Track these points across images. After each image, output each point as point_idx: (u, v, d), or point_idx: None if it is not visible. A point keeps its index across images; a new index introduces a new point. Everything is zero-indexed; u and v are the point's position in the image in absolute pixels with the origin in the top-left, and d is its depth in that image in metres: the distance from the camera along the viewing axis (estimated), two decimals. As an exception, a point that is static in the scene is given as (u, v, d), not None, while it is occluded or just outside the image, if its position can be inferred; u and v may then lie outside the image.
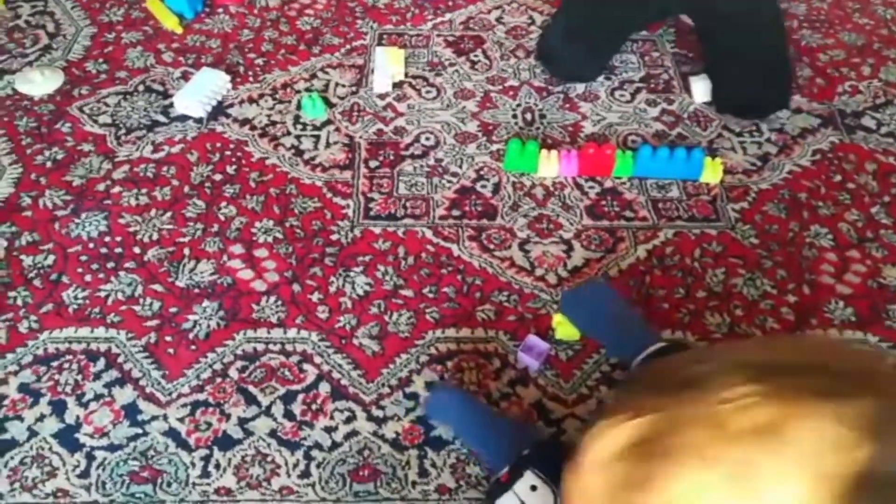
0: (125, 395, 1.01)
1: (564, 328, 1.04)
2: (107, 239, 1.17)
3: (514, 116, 1.38)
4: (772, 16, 1.38)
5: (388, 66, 1.42)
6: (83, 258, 1.15)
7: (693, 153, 1.23)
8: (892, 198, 1.24)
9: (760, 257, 1.15)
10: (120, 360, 1.04)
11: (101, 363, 1.03)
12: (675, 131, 1.35)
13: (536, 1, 1.62)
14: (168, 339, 1.06)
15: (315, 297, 1.11)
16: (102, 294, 1.10)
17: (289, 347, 1.06)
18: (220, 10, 1.58)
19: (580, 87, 1.43)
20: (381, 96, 1.41)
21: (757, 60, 1.33)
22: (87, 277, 1.12)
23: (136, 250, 1.16)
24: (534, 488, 0.81)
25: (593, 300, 1.05)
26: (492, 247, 1.17)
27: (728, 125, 1.36)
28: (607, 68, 1.45)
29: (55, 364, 1.03)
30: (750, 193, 1.24)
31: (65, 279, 1.12)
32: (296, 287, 1.12)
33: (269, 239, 1.18)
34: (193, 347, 1.05)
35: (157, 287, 1.12)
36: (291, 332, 1.07)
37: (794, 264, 1.14)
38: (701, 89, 1.38)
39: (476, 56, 1.50)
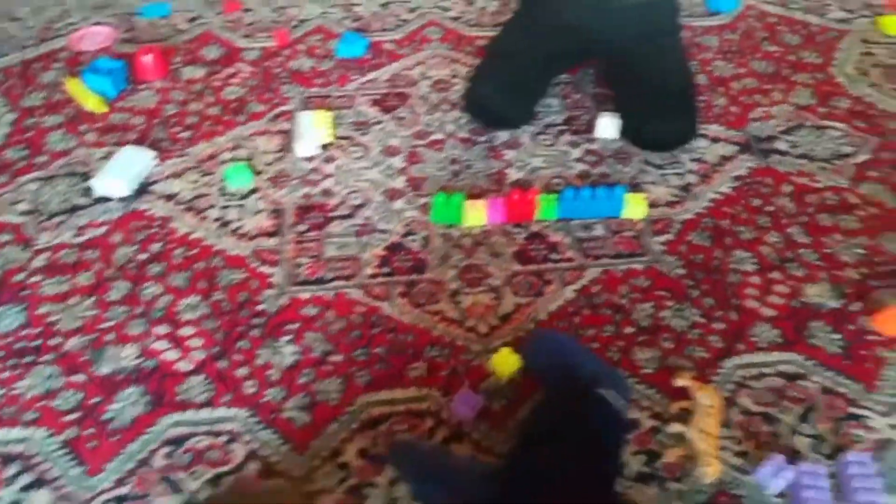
0: (42, 498, 0.96)
1: (503, 366, 1.03)
2: (24, 332, 1.14)
3: (441, 169, 1.39)
4: (676, 54, 1.45)
5: (314, 129, 1.43)
6: None
7: (614, 191, 1.25)
8: (809, 217, 1.27)
9: (687, 287, 1.16)
10: (36, 460, 0.99)
11: (16, 466, 0.99)
12: (598, 170, 1.37)
13: (458, 53, 1.66)
14: (89, 431, 1.02)
15: (242, 372, 1.09)
16: (17, 391, 1.07)
17: (216, 428, 1.03)
18: (144, 86, 1.59)
19: (504, 135, 1.44)
20: (308, 159, 1.41)
21: (662, 96, 1.37)
22: (3, 375, 1.09)
23: (56, 341, 1.13)
24: None
25: (551, 347, 1.04)
26: (422, 301, 1.16)
27: (649, 160, 1.38)
28: (533, 115, 1.48)
29: (-32, 470, 0.99)
30: (674, 225, 1.26)
31: (-21, 378, 1.08)
32: (222, 363, 1.10)
33: (195, 316, 1.16)
34: (117, 437, 1.02)
35: (78, 377, 1.08)
36: (219, 412, 1.04)
37: (720, 291, 1.15)
38: (604, 126, 1.41)
39: (401, 113, 1.51)
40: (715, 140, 1.42)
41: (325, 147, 1.43)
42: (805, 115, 1.47)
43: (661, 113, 1.36)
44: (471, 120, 1.47)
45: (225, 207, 1.33)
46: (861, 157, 1.38)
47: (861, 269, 1.18)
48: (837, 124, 1.45)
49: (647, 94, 1.37)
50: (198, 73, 1.62)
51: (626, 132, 1.41)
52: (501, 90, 1.41)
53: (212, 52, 1.68)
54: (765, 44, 1.67)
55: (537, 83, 1.48)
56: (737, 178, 1.34)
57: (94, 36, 1.71)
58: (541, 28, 1.45)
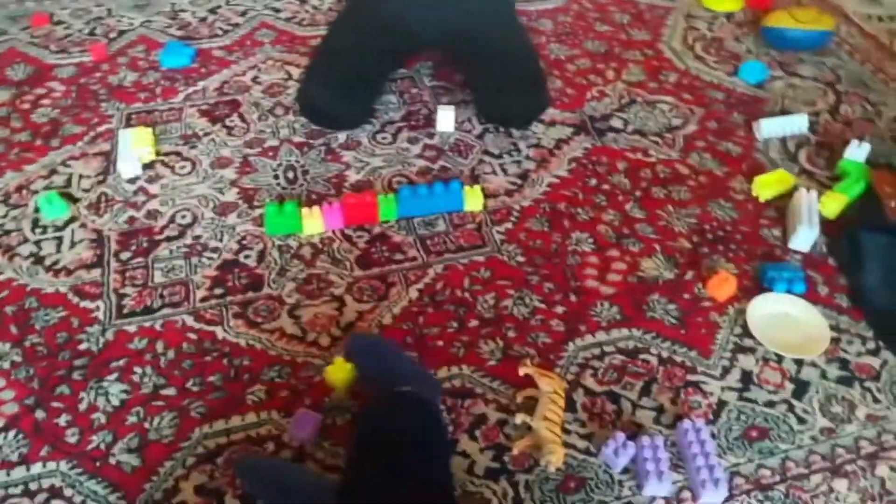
0: None
1: (337, 377, 1.00)
2: None
3: (276, 177, 1.32)
4: (517, 32, 1.47)
5: (134, 148, 1.33)
6: None
7: (451, 185, 1.23)
8: (643, 191, 1.30)
9: (527, 274, 1.16)
10: None
11: None
12: (439, 164, 1.34)
13: (292, 55, 1.59)
14: None
15: (63, 419, 0.99)
16: None
17: (33, 486, 0.93)
18: (-59, 116, 1.43)
19: (342, 136, 1.40)
20: (131, 181, 1.31)
21: (513, 72, 1.38)
22: None
23: None
24: None
25: (364, 352, 1.01)
26: (259, 320, 1.10)
27: (488, 149, 1.37)
28: (371, 113, 1.44)
29: None
30: (513, 213, 1.26)
31: None
32: (39, 414, 0.99)
33: (6, 365, 1.04)
34: (-84, 513, 0.90)
35: None
36: (36, 468, 0.94)
37: (559, 275, 1.16)
38: (443, 118, 1.39)
39: (232, 121, 1.43)
40: (551, 124, 1.43)
41: (148, 166, 1.33)
42: (637, 92, 1.51)
43: (518, 87, 1.37)
44: (306, 123, 1.42)
45: (39, 242, 1.21)
46: (689, 129, 1.43)
47: (693, 237, 1.22)
48: (667, 98, 1.50)
49: (500, 70, 1.37)
50: (2, 95, 1.47)
51: (482, 110, 1.41)
52: (334, 89, 1.36)
53: (18, 72, 1.53)
54: (597, 24, 1.70)
55: (372, 80, 1.44)
56: (573, 159, 1.36)
57: None
58: (369, 23, 1.42)
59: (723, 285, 1.11)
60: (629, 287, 1.14)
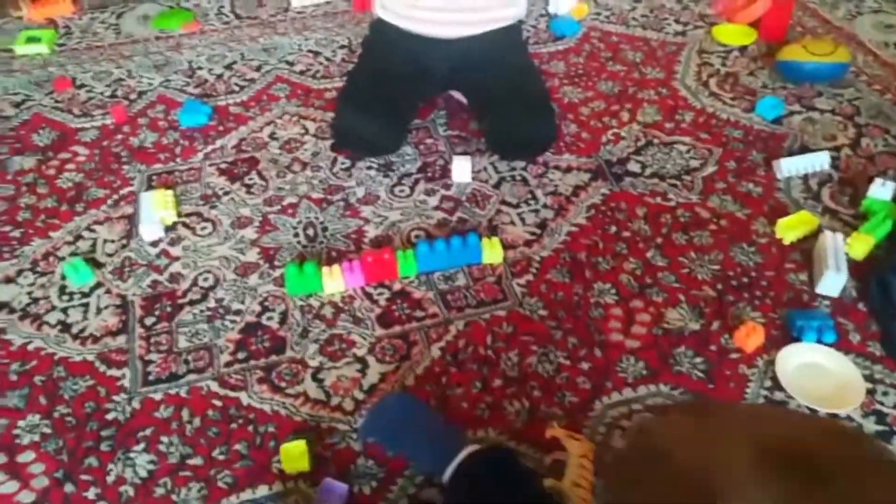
0: None
1: (292, 461, 0.99)
2: None
3: (296, 235, 1.33)
4: (529, 70, 1.52)
5: (155, 210, 1.35)
6: None
7: (468, 238, 1.23)
8: (664, 238, 1.28)
9: (550, 329, 1.15)
10: None
11: None
12: (456, 216, 1.35)
13: (307, 109, 1.61)
14: (-83, 592, 0.91)
15: (92, 493, 0.99)
16: None
17: (64, 563, 0.93)
18: (-32, 184, 1.46)
19: (360, 192, 1.40)
20: (153, 244, 1.33)
21: (526, 106, 1.41)
22: None
23: None
24: None
25: (394, 414, 1.00)
26: (283, 385, 1.10)
27: (505, 199, 1.37)
28: (406, 136, 1.48)
29: None
30: (532, 264, 1.25)
31: None
32: (69, 487, 1.00)
33: (36, 437, 1.06)
34: None
35: None
36: (66, 544, 0.95)
37: (583, 328, 1.15)
38: (459, 168, 1.40)
39: (251, 178, 1.45)
40: (568, 170, 1.43)
41: (170, 228, 1.35)
42: (653, 133, 1.51)
43: (526, 118, 1.40)
44: (343, 150, 1.47)
45: (66, 309, 1.23)
46: (708, 170, 1.42)
47: (717, 285, 1.20)
48: (684, 139, 1.49)
49: (509, 103, 1.40)
50: (28, 162, 1.51)
51: (492, 142, 1.44)
52: (368, 116, 1.41)
53: (43, 138, 1.57)
54: (609, 63, 1.71)
55: (403, 105, 1.47)
56: (592, 206, 1.35)
57: None
58: (388, 59, 1.48)
59: (750, 336, 1.09)
60: (655, 340, 1.12)
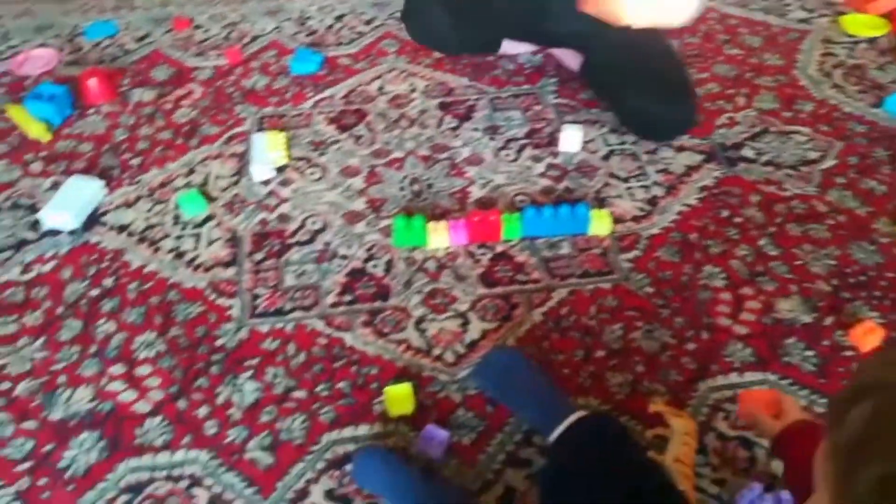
0: (-8, 556, 0.91)
1: (396, 404, 1.01)
2: (-31, 379, 1.08)
3: (402, 189, 1.35)
4: (661, 40, 1.42)
5: (268, 151, 1.38)
6: (-57, 404, 1.05)
7: (577, 208, 1.22)
8: (778, 227, 1.25)
9: (657, 307, 1.14)
10: (-16, 517, 0.94)
11: (-36, 523, 0.94)
12: (562, 185, 1.34)
13: (416, 66, 1.62)
14: (43, 481, 0.97)
15: (202, 411, 1.04)
16: (-35, 442, 1.01)
17: (176, 472, 0.98)
18: (91, 111, 1.53)
19: (465, 152, 1.41)
20: (264, 183, 1.36)
21: (659, 80, 1.35)
22: (-52, 425, 1.03)
23: (5, 386, 1.07)
24: None
25: (504, 368, 1.02)
26: (387, 331, 1.13)
27: (614, 172, 1.36)
28: (474, 51, 1.49)
29: None
30: (641, 241, 1.24)
31: (-79, 432, 1.02)
32: (181, 403, 1.05)
33: (152, 353, 1.11)
34: (71, 487, 0.97)
35: (29, 424, 1.03)
36: (179, 455, 1.00)
37: (690, 309, 1.13)
38: (567, 138, 1.38)
39: (359, 130, 1.47)
40: (680, 149, 1.40)
41: (280, 169, 1.38)
42: (770, 121, 1.46)
43: (666, 98, 1.34)
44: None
45: (179, 237, 1.28)
46: (827, 163, 1.37)
47: (832, 280, 1.17)
48: (802, 129, 1.44)
49: (648, 79, 1.34)
50: (147, 95, 1.56)
51: (624, 119, 1.40)
52: (439, 7, 1.40)
53: (161, 73, 1.62)
54: (726, 47, 1.66)
55: (484, 25, 1.45)
56: (703, 188, 1.32)
57: (37, 59, 1.64)
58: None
59: (868, 336, 1.05)
60: (764, 328, 1.10)
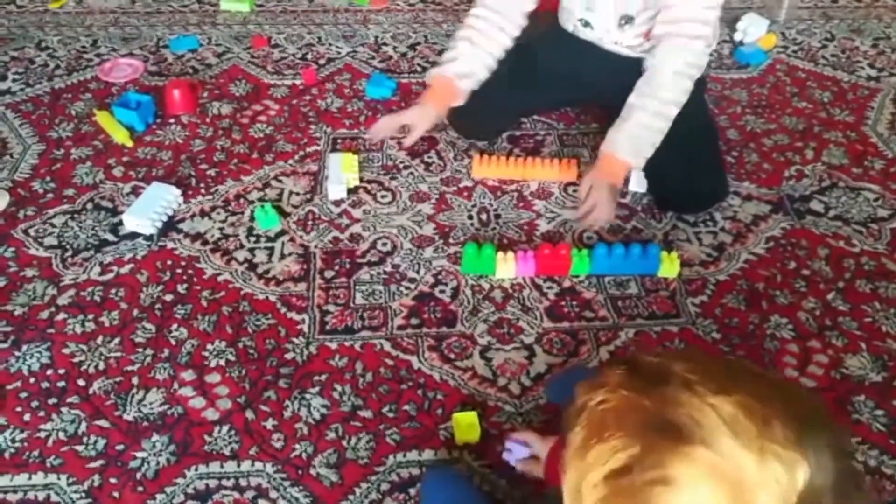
0: (64, 549, 0.93)
1: (463, 431, 1.02)
2: (49, 372, 1.12)
3: (470, 217, 1.37)
4: (701, 109, 1.39)
5: (342, 172, 1.42)
6: (23, 395, 1.09)
7: (649, 248, 1.23)
8: (847, 283, 1.25)
9: (723, 352, 1.14)
10: (59, 510, 0.97)
11: (39, 515, 0.96)
12: (630, 225, 1.35)
13: (487, 98, 1.65)
14: (113, 480, 1.00)
15: (269, 423, 1.06)
16: (42, 434, 1.04)
17: (243, 482, 1.00)
18: (172, 120, 1.58)
19: (533, 185, 1.43)
20: (336, 203, 1.40)
21: (688, 155, 1.29)
22: (27, 417, 1.06)
23: (81, 382, 1.11)
24: None
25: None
26: (452, 356, 1.14)
27: (682, 216, 1.37)
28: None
29: (-12, 519, 0.96)
30: (708, 286, 1.24)
31: (1, 420, 1.06)
32: (249, 414, 1.07)
33: (222, 362, 1.14)
34: (141, 489, 0.99)
35: (103, 422, 1.06)
36: (245, 465, 1.02)
37: (757, 358, 1.13)
38: (637, 178, 1.40)
39: (430, 157, 1.50)
40: (748, 198, 1.41)
41: (352, 191, 1.42)
42: (839, 175, 1.46)
43: (691, 175, 1.31)
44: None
45: (252, 249, 1.31)
46: (897, 222, 1.37)
47: (902, 340, 1.16)
48: (872, 186, 1.44)
49: (671, 153, 1.27)
50: (225, 108, 1.61)
51: (653, 194, 1.40)
52: (466, 118, 1.45)
53: (239, 88, 1.67)
54: (795, 99, 1.67)
55: (503, 116, 1.51)
56: (771, 238, 1.33)
57: (123, 68, 1.71)
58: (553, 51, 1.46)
59: (938, 398, 1.05)
60: (832, 382, 1.10)
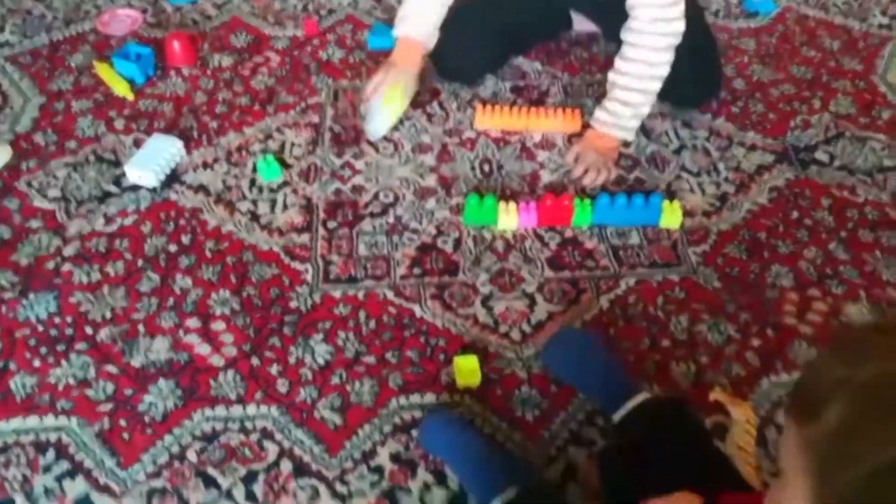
0: (77, 487, 0.96)
1: (464, 376, 1.04)
2: (56, 320, 1.13)
3: (473, 168, 1.37)
4: (695, 14, 1.37)
5: (384, 108, 1.37)
6: (32, 342, 1.11)
7: (651, 199, 1.23)
8: (849, 232, 1.25)
9: (724, 301, 1.15)
10: (71, 450, 0.99)
11: (51, 454, 0.99)
12: (633, 175, 1.35)
13: (490, 49, 1.63)
14: (122, 423, 1.02)
15: (274, 369, 1.08)
16: (52, 379, 1.06)
17: (248, 425, 1.02)
18: (173, 72, 1.57)
19: (537, 136, 1.42)
20: (338, 155, 1.39)
21: (687, 46, 1.27)
22: (36, 362, 1.08)
23: (89, 330, 1.12)
24: None
25: (574, 347, 1.04)
26: (454, 305, 1.15)
27: (685, 165, 1.36)
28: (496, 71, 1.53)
29: (1, 459, 0.99)
30: (710, 236, 1.24)
31: (12, 366, 1.08)
32: (254, 360, 1.09)
33: (227, 310, 1.15)
34: (149, 431, 1.02)
35: (111, 368, 1.08)
36: (251, 409, 1.04)
37: (757, 306, 1.14)
38: None
39: (432, 108, 1.49)
40: (752, 148, 1.40)
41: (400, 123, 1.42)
42: (845, 125, 1.45)
43: (690, 66, 1.30)
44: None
45: (255, 201, 1.32)
46: (902, 171, 1.36)
47: (901, 288, 1.17)
48: (879, 136, 1.43)
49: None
50: (226, 60, 1.60)
51: None
52: (456, 40, 1.43)
53: (240, 40, 1.65)
54: (804, 49, 1.64)
55: (499, 40, 1.49)
56: (774, 188, 1.32)
57: (122, 19, 1.69)
58: None
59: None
60: (830, 331, 1.11)
